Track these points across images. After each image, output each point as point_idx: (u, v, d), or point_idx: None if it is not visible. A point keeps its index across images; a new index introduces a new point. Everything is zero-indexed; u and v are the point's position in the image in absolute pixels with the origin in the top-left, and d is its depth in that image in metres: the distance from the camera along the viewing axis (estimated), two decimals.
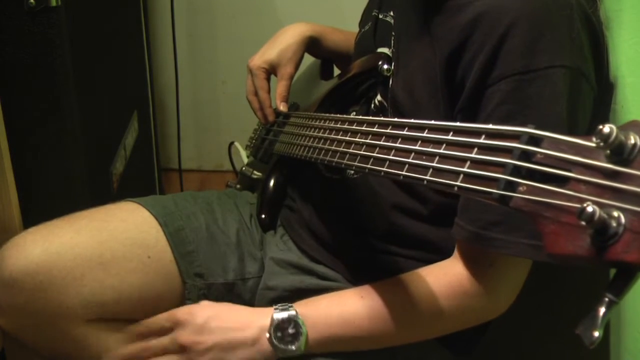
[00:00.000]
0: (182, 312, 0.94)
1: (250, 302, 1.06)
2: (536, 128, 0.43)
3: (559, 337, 1.12)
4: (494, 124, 0.79)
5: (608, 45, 0.88)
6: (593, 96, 0.84)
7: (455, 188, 0.47)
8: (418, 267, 0.90)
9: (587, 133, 0.80)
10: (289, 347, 0.86)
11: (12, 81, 1.11)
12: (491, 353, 1.10)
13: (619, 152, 0.36)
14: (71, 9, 1.13)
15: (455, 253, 0.88)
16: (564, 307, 1.13)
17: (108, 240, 0.98)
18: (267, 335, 0.87)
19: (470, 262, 0.85)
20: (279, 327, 0.87)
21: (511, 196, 0.41)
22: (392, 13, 1.03)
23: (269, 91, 1.17)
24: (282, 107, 1.16)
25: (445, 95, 0.85)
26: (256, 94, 1.18)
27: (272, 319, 0.87)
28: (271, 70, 1.17)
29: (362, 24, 1.17)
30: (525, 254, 0.79)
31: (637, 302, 0.85)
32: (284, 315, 0.88)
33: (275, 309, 0.89)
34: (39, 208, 1.15)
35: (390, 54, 1.00)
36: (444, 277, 0.87)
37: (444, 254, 0.89)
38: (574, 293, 1.09)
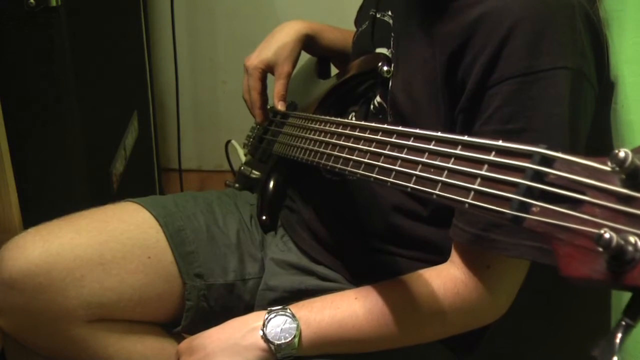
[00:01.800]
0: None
1: (250, 303, 1.06)
2: (548, 148, 0.42)
3: (560, 338, 1.12)
4: (496, 126, 0.80)
5: (609, 44, 0.87)
6: (595, 96, 0.84)
7: (467, 205, 0.47)
8: (419, 267, 0.90)
9: (589, 133, 0.81)
10: (283, 342, 0.86)
11: (12, 81, 1.10)
12: (492, 353, 1.10)
13: (634, 177, 0.35)
14: (71, 9, 1.12)
15: (452, 255, 0.87)
16: (566, 309, 1.13)
17: (108, 240, 0.98)
18: (261, 333, 0.86)
19: (466, 264, 0.85)
20: (272, 324, 0.87)
21: (524, 217, 0.41)
22: (390, 13, 1.02)
23: (261, 92, 1.15)
24: (280, 107, 1.13)
25: (446, 96, 0.85)
26: None
27: (265, 318, 0.87)
28: (268, 70, 1.15)
29: (358, 22, 1.16)
30: (527, 256, 0.79)
31: None
32: (277, 313, 0.87)
33: (269, 310, 0.88)
34: (39, 208, 1.15)
35: (389, 55, 0.99)
36: (437, 278, 0.86)
37: (445, 254, 0.88)
38: (576, 294, 1.09)
